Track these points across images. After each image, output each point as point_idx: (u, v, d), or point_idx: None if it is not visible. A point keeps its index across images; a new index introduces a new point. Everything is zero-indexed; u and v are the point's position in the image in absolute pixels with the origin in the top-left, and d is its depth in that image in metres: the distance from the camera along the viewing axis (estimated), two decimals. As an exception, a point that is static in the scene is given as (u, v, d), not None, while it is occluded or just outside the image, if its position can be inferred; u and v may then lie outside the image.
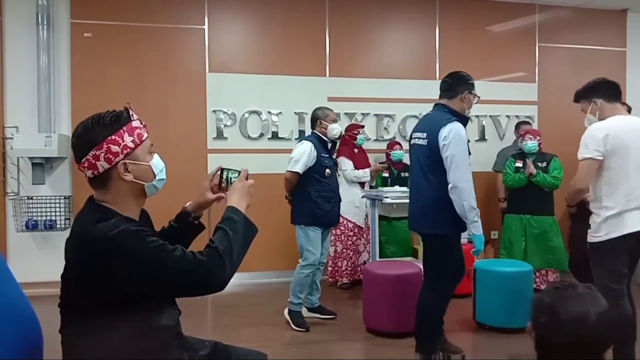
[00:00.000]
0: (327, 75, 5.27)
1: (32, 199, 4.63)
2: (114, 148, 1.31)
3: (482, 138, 5.58)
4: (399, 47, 5.49)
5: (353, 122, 5.13)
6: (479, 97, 2.90)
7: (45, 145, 4.39)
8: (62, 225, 4.66)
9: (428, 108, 5.28)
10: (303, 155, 3.61)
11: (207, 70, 5.01)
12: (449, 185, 2.63)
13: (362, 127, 4.90)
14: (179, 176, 4.90)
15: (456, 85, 2.82)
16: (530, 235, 4.46)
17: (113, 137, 1.31)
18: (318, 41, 5.25)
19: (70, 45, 4.76)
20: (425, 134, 2.78)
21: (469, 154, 2.73)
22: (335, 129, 3.75)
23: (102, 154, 1.30)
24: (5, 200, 4.65)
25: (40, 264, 4.47)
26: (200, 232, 1.70)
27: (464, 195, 2.60)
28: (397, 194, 4.23)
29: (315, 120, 3.80)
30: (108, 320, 1.26)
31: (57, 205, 4.66)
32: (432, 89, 5.50)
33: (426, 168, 2.75)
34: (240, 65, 5.07)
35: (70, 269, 1.31)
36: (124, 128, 1.34)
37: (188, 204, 1.69)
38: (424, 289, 2.92)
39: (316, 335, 3.54)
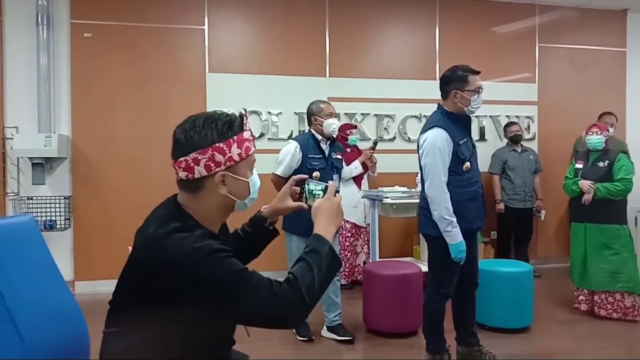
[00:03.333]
0: (327, 75, 5.27)
1: (32, 199, 4.63)
2: (218, 157, 1.20)
3: (482, 138, 5.57)
4: (399, 47, 5.49)
5: (353, 122, 5.14)
6: (478, 89, 2.65)
7: (45, 146, 4.39)
8: (62, 226, 4.66)
9: (428, 108, 5.38)
10: (286, 156, 3.35)
11: (207, 70, 5.00)
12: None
13: (355, 127, 4.87)
14: (179, 176, 4.91)
15: (444, 85, 2.73)
16: (592, 247, 3.79)
17: (221, 144, 1.20)
18: (318, 41, 5.25)
19: (70, 45, 4.76)
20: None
21: (462, 156, 2.66)
22: (332, 125, 3.40)
23: (204, 160, 1.19)
24: (6, 200, 4.65)
25: (40, 264, 4.48)
26: (274, 237, 1.58)
27: (433, 204, 2.62)
28: (397, 194, 4.22)
29: (309, 117, 3.49)
30: (155, 341, 1.15)
31: (57, 205, 4.66)
32: (432, 89, 5.50)
33: (421, 171, 2.78)
34: (240, 65, 5.07)
35: (131, 272, 1.20)
36: (234, 138, 1.22)
37: (264, 208, 1.56)
38: (426, 289, 2.94)
39: (316, 335, 3.54)
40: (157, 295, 1.13)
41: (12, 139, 4.53)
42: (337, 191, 1.39)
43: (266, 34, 5.16)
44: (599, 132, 3.80)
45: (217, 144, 1.20)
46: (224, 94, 5.01)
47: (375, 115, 5.35)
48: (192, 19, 4.99)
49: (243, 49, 5.13)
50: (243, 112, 1.26)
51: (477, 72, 2.70)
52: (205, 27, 5.01)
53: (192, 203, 1.24)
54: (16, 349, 1.26)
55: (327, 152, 3.45)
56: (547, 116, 5.74)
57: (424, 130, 2.73)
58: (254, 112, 5.08)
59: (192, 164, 1.19)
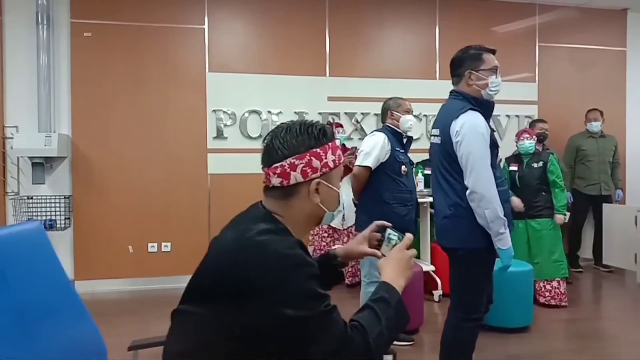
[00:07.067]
0: (327, 75, 5.27)
1: (32, 198, 4.63)
2: (315, 162, 1.16)
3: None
4: (399, 46, 5.49)
5: (353, 122, 5.14)
6: (495, 69, 2.32)
7: (45, 145, 4.40)
8: (62, 225, 4.66)
9: (428, 108, 5.41)
10: (375, 147, 3.06)
11: (207, 70, 5.00)
12: (467, 191, 2.18)
13: (341, 125, 4.79)
14: (178, 176, 4.92)
15: (455, 68, 2.35)
16: (534, 239, 4.15)
17: (318, 150, 1.16)
18: (318, 41, 5.25)
19: (70, 45, 4.76)
20: (438, 130, 2.34)
21: (497, 147, 2.28)
22: (410, 122, 3.22)
23: (301, 165, 1.15)
24: (5, 199, 4.65)
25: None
26: (338, 284, 1.46)
27: (484, 202, 2.14)
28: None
29: (385, 112, 3.30)
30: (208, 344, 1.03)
31: (57, 205, 4.66)
32: (432, 89, 5.56)
33: (445, 171, 2.29)
34: (240, 65, 5.07)
35: (205, 277, 1.09)
36: (329, 144, 1.19)
37: (336, 246, 1.48)
38: (450, 318, 2.40)
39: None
40: (229, 311, 1.01)
41: (12, 138, 4.53)
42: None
43: (266, 33, 5.15)
44: (529, 137, 4.21)
45: (314, 149, 1.16)
46: (224, 93, 5.02)
47: (375, 114, 5.32)
48: (192, 19, 4.99)
49: (243, 49, 5.13)
50: (331, 120, 1.27)
51: (493, 51, 2.39)
52: (205, 27, 5.01)
53: (282, 210, 1.18)
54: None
55: (407, 148, 3.30)
56: (547, 116, 5.70)
57: (455, 116, 2.23)
58: (254, 111, 5.09)
59: (288, 170, 1.15)
